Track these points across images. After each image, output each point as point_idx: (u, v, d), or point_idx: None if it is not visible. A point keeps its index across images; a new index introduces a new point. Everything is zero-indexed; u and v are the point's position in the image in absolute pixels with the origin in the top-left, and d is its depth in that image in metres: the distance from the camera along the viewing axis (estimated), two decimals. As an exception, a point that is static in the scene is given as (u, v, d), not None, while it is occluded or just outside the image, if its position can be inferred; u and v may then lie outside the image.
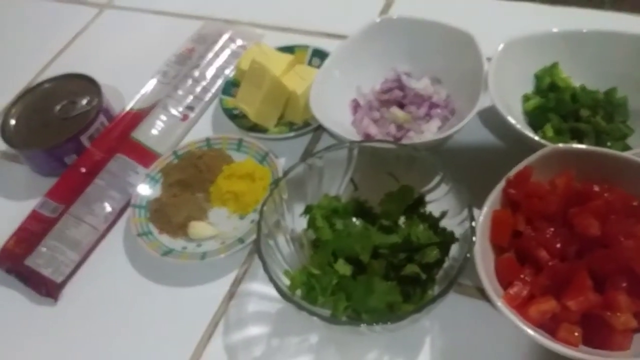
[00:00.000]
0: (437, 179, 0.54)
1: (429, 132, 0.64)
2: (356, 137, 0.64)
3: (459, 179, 0.52)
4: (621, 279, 0.46)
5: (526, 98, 0.64)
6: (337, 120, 0.65)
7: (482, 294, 0.52)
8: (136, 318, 0.59)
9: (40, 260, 0.63)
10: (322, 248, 0.53)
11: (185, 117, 0.75)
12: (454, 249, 0.51)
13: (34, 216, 0.67)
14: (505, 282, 0.48)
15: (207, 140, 0.70)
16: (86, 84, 0.76)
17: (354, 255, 0.52)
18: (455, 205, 0.52)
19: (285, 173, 0.55)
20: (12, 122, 0.75)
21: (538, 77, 0.65)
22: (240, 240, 0.60)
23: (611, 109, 0.61)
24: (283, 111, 0.71)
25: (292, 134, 0.69)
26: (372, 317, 0.49)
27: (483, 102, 0.59)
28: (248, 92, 0.70)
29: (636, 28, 0.61)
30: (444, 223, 0.53)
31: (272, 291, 0.48)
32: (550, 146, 0.52)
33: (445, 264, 0.52)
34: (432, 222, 0.54)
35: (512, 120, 0.57)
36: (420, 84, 0.68)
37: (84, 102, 0.75)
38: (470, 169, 0.57)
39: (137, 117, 0.75)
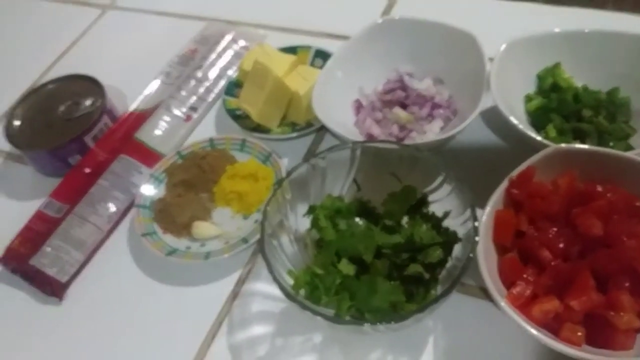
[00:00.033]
0: (439, 179, 0.54)
1: (432, 132, 0.64)
2: (359, 138, 0.65)
3: (462, 179, 0.52)
4: (624, 278, 0.46)
5: (528, 98, 0.64)
6: (339, 120, 0.65)
7: (485, 293, 0.53)
8: (140, 317, 0.60)
9: (45, 260, 0.63)
10: (326, 248, 0.53)
11: (188, 118, 0.75)
12: (457, 249, 0.52)
13: (39, 216, 0.67)
14: (508, 281, 0.48)
15: (211, 140, 0.70)
16: (90, 85, 0.77)
17: (357, 255, 0.52)
18: (458, 205, 0.52)
19: (289, 173, 0.55)
20: (17, 123, 0.75)
21: (540, 78, 0.65)
22: (244, 240, 0.60)
23: (613, 109, 0.61)
24: (286, 112, 0.72)
25: (294, 134, 0.69)
26: (376, 316, 0.49)
27: (485, 103, 0.59)
28: (251, 92, 0.70)
29: (638, 28, 0.61)
30: (446, 223, 0.54)
31: (275, 291, 0.49)
32: (552, 146, 0.52)
33: (448, 264, 0.52)
34: (435, 222, 0.54)
35: (514, 121, 0.57)
36: (423, 85, 0.68)
37: (88, 103, 0.75)
38: (472, 169, 0.58)
39: (141, 117, 0.75)
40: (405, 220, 0.56)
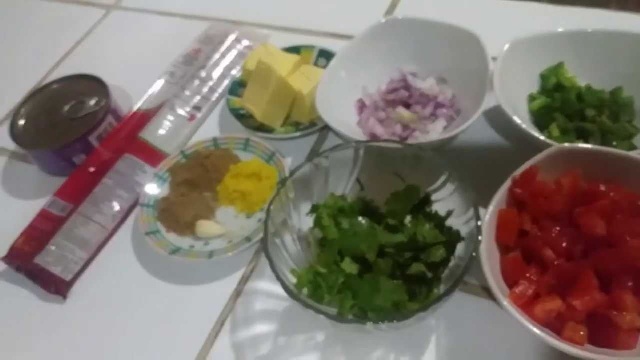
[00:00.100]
0: (443, 178, 0.54)
1: (435, 132, 0.65)
2: (362, 137, 0.65)
3: (465, 178, 0.52)
4: (627, 278, 0.46)
5: (532, 98, 0.64)
6: (343, 120, 0.66)
7: (488, 293, 0.53)
8: (144, 316, 0.60)
9: (50, 259, 0.64)
10: (329, 247, 0.54)
11: (192, 118, 0.76)
12: (460, 248, 0.52)
13: (44, 215, 0.68)
14: (511, 281, 0.48)
15: (214, 140, 0.71)
16: (94, 84, 0.77)
17: (360, 254, 0.52)
18: (461, 204, 0.52)
19: (292, 173, 0.55)
20: (21, 122, 0.75)
21: (544, 77, 0.65)
22: (248, 239, 0.61)
23: (617, 108, 0.61)
24: (289, 111, 0.72)
25: (298, 134, 0.70)
26: (378, 315, 0.49)
27: (489, 102, 0.59)
28: (254, 92, 0.71)
29: (642, 28, 0.61)
30: (450, 222, 0.54)
31: (278, 290, 0.49)
32: (556, 146, 0.52)
33: (451, 263, 0.52)
34: (438, 222, 0.54)
35: (517, 120, 0.57)
36: (426, 84, 0.68)
37: (93, 102, 0.75)
38: (476, 169, 0.58)
39: (145, 117, 0.75)
40: (408, 219, 0.56)
